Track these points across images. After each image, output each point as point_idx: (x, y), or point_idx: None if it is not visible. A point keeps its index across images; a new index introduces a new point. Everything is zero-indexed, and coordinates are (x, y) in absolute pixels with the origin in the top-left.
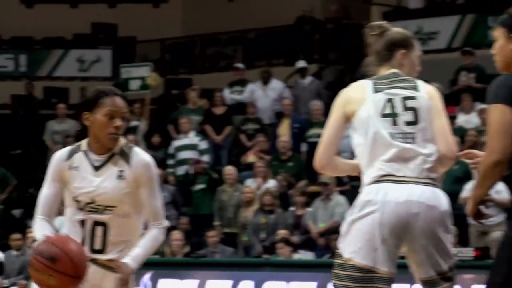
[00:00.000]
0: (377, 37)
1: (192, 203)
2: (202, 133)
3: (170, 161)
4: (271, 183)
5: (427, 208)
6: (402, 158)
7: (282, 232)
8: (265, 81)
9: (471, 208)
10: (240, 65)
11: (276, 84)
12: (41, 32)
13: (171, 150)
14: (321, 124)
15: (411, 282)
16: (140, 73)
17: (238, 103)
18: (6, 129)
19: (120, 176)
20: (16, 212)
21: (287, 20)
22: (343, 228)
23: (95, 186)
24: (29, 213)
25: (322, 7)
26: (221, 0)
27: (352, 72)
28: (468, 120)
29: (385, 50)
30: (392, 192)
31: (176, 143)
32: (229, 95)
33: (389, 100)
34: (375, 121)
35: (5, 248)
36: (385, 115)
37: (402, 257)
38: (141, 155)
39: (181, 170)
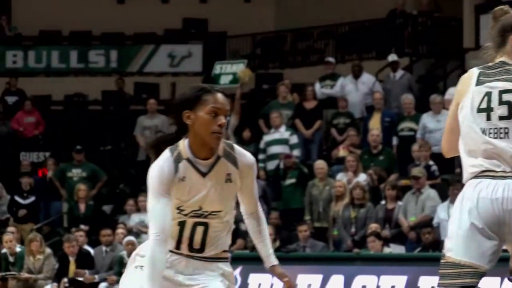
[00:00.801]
0: (495, 21)
1: (282, 198)
2: (292, 128)
3: (261, 156)
4: (362, 177)
5: None
6: (495, 153)
7: (373, 226)
8: (356, 75)
9: None
10: (331, 59)
11: (367, 78)
12: (132, 27)
13: (261, 144)
14: (412, 118)
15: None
16: (233, 69)
17: (329, 97)
18: (96, 125)
19: (228, 180)
20: (107, 208)
21: (379, 14)
22: (448, 226)
23: (203, 194)
24: (119, 209)
25: (414, 1)
26: None
27: (443, 65)
28: None
29: (497, 36)
30: (488, 188)
31: (267, 137)
32: (320, 89)
33: (487, 94)
34: (470, 116)
35: (95, 243)
36: (480, 110)
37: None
38: (246, 156)
39: (271, 165)
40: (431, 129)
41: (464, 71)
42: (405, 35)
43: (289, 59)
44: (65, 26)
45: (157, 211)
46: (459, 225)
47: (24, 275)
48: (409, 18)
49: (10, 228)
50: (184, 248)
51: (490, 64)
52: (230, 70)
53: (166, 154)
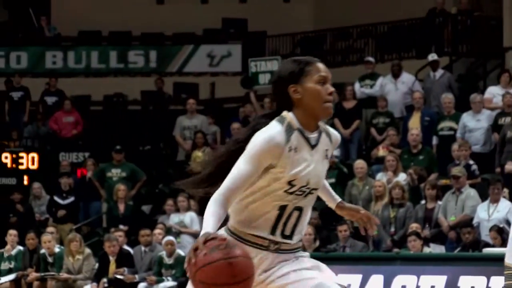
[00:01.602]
0: None
1: None
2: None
3: None
4: (402, 177)
5: None
6: None
7: (414, 226)
8: (396, 75)
9: None
10: (370, 59)
11: (406, 78)
12: (171, 28)
13: None
14: (452, 117)
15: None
16: (268, 67)
17: (369, 97)
18: (136, 125)
19: (326, 156)
20: (146, 208)
21: (418, 13)
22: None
23: (312, 168)
24: (158, 209)
25: (454, 0)
26: None
27: (483, 64)
28: None
29: None
30: None
31: None
32: (360, 89)
33: None
34: None
35: (134, 244)
36: None
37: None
38: (336, 134)
39: None
40: (471, 128)
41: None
42: (445, 34)
43: (329, 59)
44: (105, 26)
45: (238, 174)
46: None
47: (63, 275)
48: (449, 17)
49: (50, 229)
50: (278, 235)
51: None
52: (266, 68)
53: (275, 124)
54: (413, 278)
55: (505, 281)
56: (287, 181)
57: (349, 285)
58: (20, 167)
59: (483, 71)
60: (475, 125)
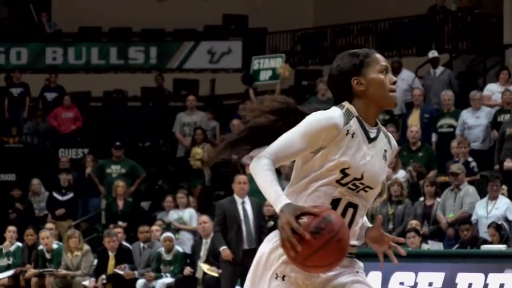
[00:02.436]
0: None
1: None
2: None
3: None
4: (401, 174)
5: None
6: None
7: (413, 222)
8: (396, 71)
9: None
10: None
11: (406, 75)
12: (172, 24)
13: None
14: (452, 114)
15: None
16: (271, 64)
17: None
18: (135, 122)
19: (384, 157)
20: (145, 205)
21: (419, 10)
22: None
23: (367, 161)
24: (157, 206)
25: None
26: None
27: (483, 61)
28: None
29: None
30: None
31: None
32: None
33: None
34: None
35: (133, 240)
36: None
37: None
38: (395, 142)
39: None
40: (470, 125)
41: (504, 67)
42: (445, 31)
43: (329, 56)
44: (105, 22)
45: (290, 145)
46: None
47: (62, 271)
48: (449, 14)
49: (48, 225)
50: None
51: None
52: (269, 65)
53: (334, 108)
54: (411, 274)
55: None
56: (340, 168)
57: None
58: (20, 163)
59: (483, 68)
60: (474, 122)
